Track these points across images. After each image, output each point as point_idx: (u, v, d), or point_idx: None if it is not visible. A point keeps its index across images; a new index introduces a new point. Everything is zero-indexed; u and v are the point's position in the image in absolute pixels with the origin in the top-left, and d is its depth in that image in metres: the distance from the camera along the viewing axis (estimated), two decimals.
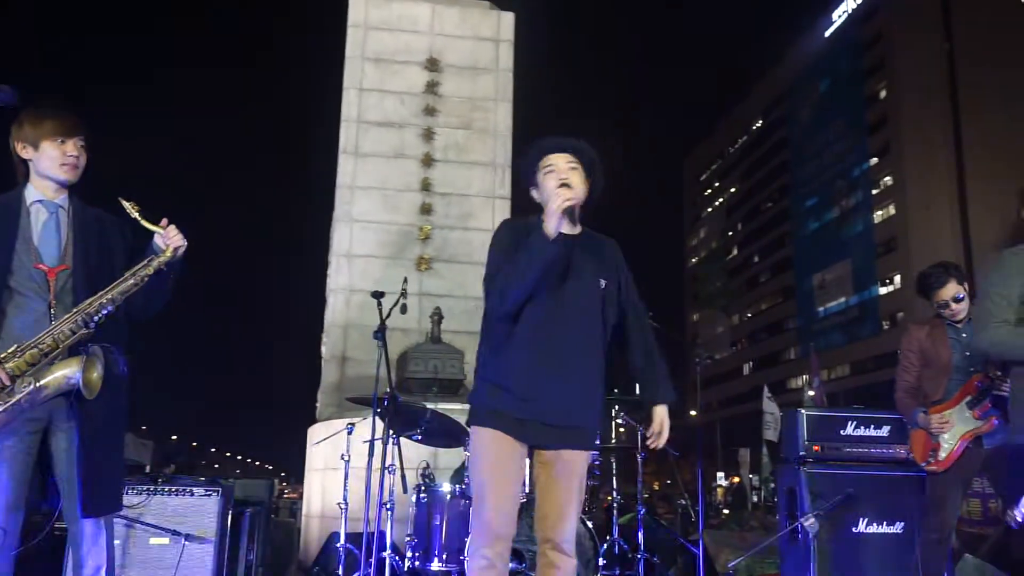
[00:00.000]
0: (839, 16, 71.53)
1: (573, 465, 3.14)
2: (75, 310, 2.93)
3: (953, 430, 4.40)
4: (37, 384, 2.81)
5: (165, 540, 4.77)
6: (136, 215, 3.08)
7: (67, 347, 2.89)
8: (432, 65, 9.05)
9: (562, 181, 3.08)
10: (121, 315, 3.09)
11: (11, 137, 3.10)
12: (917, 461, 4.61)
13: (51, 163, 3.06)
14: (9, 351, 2.82)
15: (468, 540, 4.78)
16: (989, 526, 6.37)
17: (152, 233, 3.12)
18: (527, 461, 3.23)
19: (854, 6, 69.56)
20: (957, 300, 4.49)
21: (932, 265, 4.70)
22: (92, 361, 2.89)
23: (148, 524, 4.76)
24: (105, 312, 2.95)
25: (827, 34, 72.89)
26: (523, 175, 3.32)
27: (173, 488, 4.96)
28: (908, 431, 4.75)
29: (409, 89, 8.98)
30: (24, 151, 3.09)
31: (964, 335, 4.53)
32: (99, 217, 3.22)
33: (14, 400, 2.78)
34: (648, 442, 3.27)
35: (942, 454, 4.42)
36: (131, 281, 3.01)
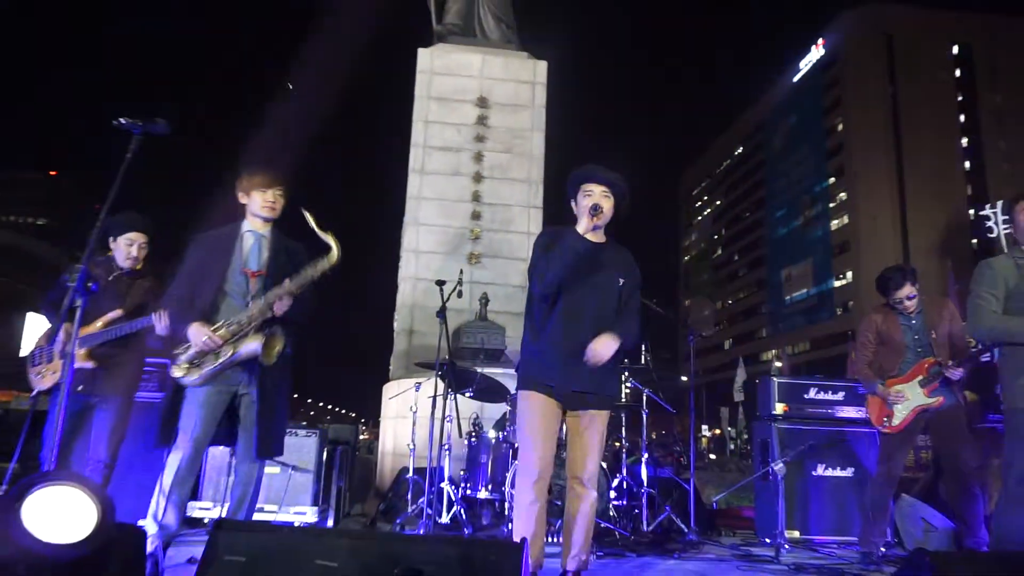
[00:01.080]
0: (805, 65, 70.75)
1: (596, 421, 3.19)
2: (262, 298, 3.24)
3: (907, 402, 4.33)
4: (234, 351, 3.17)
5: (276, 470, 4.84)
6: (311, 223, 3.33)
7: (255, 326, 3.21)
8: (482, 103, 9.02)
9: (594, 204, 3.16)
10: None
11: (236, 187, 3.45)
12: (873, 423, 4.52)
13: (257, 205, 3.39)
14: (218, 324, 3.19)
15: (511, 476, 4.82)
16: (921, 471, 6.28)
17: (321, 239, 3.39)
18: (561, 417, 3.22)
19: (817, 57, 68.72)
20: (910, 299, 4.42)
21: (891, 268, 4.59)
22: (272, 337, 3.21)
23: None
24: (283, 302, 3.23)
25: (795, 79, 72.10)
26: (569, 189, 3.36)
27: None
28: (865, 397, 4.67)
29: (464, 121, 8.96)
30: (242, 197, 3.42)
31: (914, 322, 4.46)
32: (290, 246, 3.48)
33: (220, 361, 3.16)
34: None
35: (896, 420, 4.35)
36: (300, 280, 3.27)
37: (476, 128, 8.93)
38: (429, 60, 9.11)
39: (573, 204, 3.32)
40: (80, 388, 3.69)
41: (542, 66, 9.35)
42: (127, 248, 3.90)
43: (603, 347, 3.08)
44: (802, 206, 69.14)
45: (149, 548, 2.87)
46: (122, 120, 2.69)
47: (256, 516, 4.71)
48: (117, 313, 3.75)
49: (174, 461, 3.15)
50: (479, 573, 1.82)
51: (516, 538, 3.03)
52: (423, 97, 8.98)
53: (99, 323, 3.74)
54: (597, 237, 3.28)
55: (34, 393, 3.81)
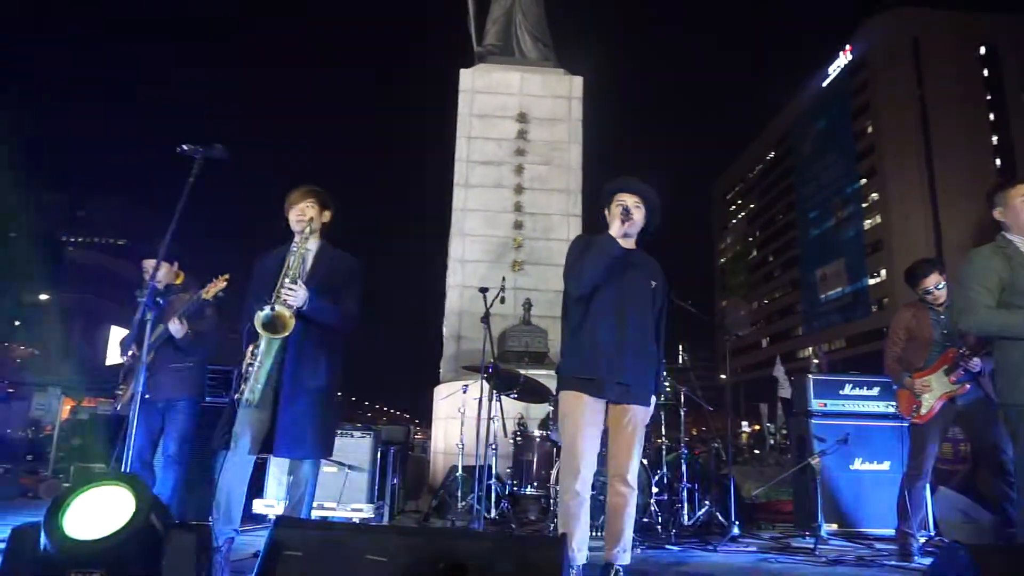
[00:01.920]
0: (833, 70, 69.34)
1: (636, 418, 3.14)
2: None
3: (933, 391, 4.21)
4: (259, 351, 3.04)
5: (334, 469, 4.88)
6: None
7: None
8: (522, 118, 9.03)
9: (625, 207, 3.17)
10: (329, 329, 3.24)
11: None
12: (903, 415, 4.41)
13: (292, 222, 3.33)
14: None
15: (556, 473, 4.79)
16: (959, 464, 6.06)
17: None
18: (604, 415, 3.16)
19: (845, 62, 67.32)
20: (938, 288, 4.31)
21: (920, 260, 4.50)
22: (259, 315, 2.98)
23: None
24: (286, 290, 3.07)
25: (824, 84, 70.68)
26: (602, 199, 3.34)
27: (339, 432, 5.06)
28: (894, 390, 4.55)
29: (504, 136, 8.98)
30: (291, 220, 3.35)
31: (943, 317, 4.34)
32: (334, 255, 3.40)
33: (257, 366, 3.02)
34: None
35: (923, 410, 4.23)
36: (288, 277, 3.14)
37: (516, 142, 8.95)
38: (471, 80, 9.17)
39: (606, 213, 3.29)
40: (146, 396, 3.84)
41: (578, 81, 9.34)
42: (145, 274, 4.13)
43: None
44: (834, 207, 67.73)
45: (215, 543, 2.91)
46: (184, 147, 2.75)
47: (316, 513, 4.78)
48: (159, 328, 3.98)
49: (225, 463, 3.16)
50: (521, 567, 1.80)
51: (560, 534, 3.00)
52: (466, 115, 9.03)
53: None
54: (628, 244, 3.26)
55: (117, 408, 4.07)
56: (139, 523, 1.87)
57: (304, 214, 3.32)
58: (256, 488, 4.96)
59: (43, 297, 43.80)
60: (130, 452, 2.83)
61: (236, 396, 3.09)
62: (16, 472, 7.48)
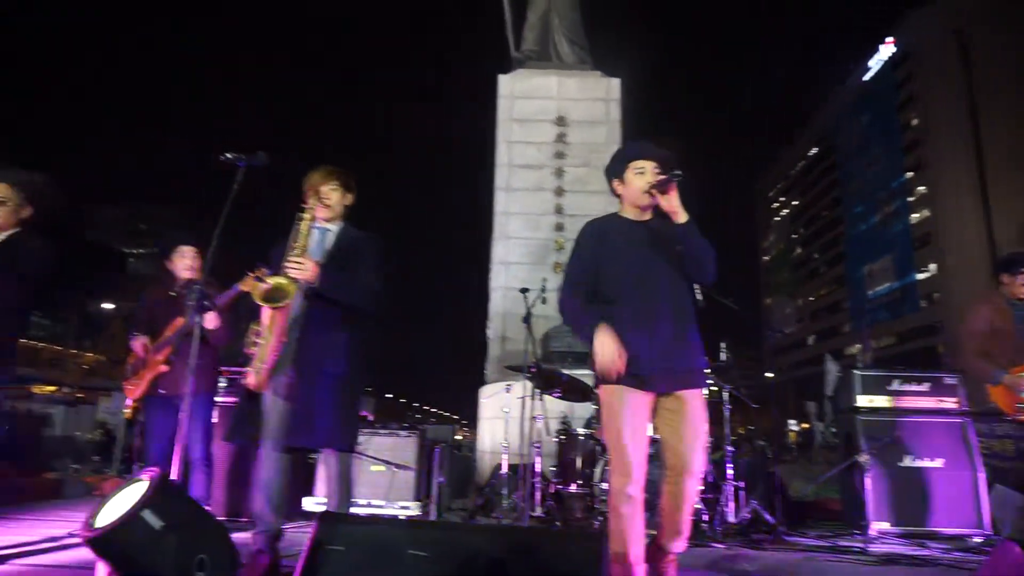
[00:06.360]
0: (875, 64, 67.56)
1: (693, 405, 2.77)
2: None
3: None
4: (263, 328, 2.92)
5: (381, 468, 4.94)
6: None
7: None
8: (560, 121, 9.02)
9: (651, 185, 2.82)
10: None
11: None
12: (1007, 412, 4.17)
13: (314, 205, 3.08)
14: None
15: (599, 471, 4.74)
16: (1020, 460, 5.82)
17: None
18: (652, 406, 2.80)
19: (888, 55, 65.56)
20: None
21: (1021, 252, 4.27)
22: (255, 288, 2.82)
23: (369, 456, 4.94)
24: (291, 264, 2.85)
25: (865, 78, 68.95)
26: (614, 167, 2.99)
27: (386, 431, 5.12)
28: (986, 388, 4.33)
29: (544, 140, 8.97)
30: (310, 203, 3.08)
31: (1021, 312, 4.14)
32: (355, 234, 3.16)
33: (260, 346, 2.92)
34: None
35: None
36: (295, 251, 2.92)
37: (556, 145, 8.94)
38: (510, 85, 9.19)
39: (617, 183, 2.98)
40: (162, 391, 3.88)
41: (615, 83, 9.29)
42: (180, 261, 4.10)
43: None
44: (880, 202, 65.96)
45: (255, 543, 2.90)
46: (227, 155, 2.79)
47: (365, 510, 4.83)
48: (180, 320, 3.94)
49: (257, 459, 3.00)
50: (558, 562, 1.78)
51: (615, 546, 2.66)
52: (505, 120, 9.06)
53: (168, 331, 3.97)
54: (644, 216, 2.96)
55: (128, 403, 4.04)
56: (128, 517, 1.94)
57: (329, 198, 3.07)
58: (307, 485, 5.03)
59: (108, 306, 45.33)
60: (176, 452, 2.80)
61: (243, 381, 2.86)
62: (84, 472, 7.76)
